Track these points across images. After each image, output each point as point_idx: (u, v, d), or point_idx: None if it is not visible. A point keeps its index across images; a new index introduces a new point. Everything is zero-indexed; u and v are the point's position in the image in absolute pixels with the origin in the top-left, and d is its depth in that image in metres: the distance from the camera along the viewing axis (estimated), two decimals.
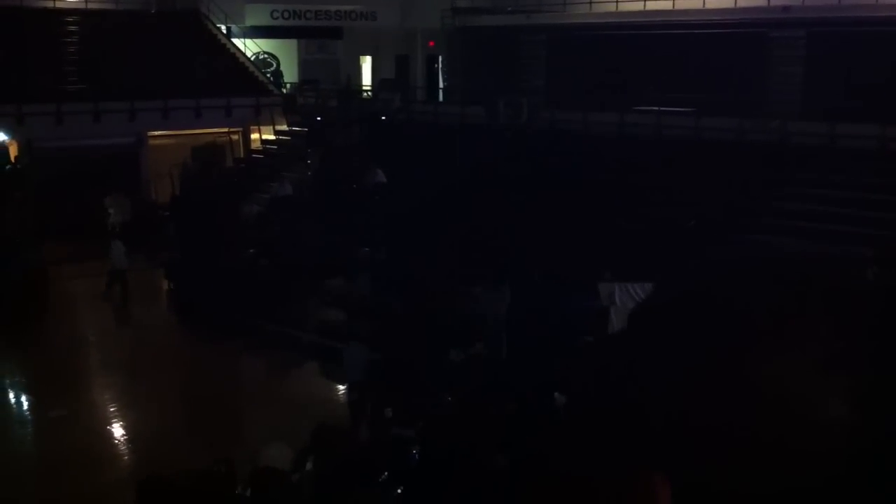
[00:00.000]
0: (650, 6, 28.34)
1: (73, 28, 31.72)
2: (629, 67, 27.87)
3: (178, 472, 8.73)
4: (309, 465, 10.23)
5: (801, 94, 24.94)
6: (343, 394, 14.95)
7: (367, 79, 37.87)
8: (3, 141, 26.50)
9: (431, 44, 35.96)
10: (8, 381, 16.44)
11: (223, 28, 34.32)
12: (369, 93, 34.41)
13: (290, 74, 36.98)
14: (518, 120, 25.79)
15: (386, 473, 10.47)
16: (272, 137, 31.63)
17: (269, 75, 34.84)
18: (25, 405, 15.40)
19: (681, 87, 25.85)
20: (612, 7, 29.43)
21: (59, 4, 31.77)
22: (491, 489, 9.51)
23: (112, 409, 14.87)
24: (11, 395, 15.90)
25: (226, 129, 30.68)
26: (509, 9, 32.42)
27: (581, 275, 15.18)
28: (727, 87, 24.80)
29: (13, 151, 26.42)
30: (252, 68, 33.80)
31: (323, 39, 37.56)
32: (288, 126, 31.80)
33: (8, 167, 25.33)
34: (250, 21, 34.83)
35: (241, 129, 31.46)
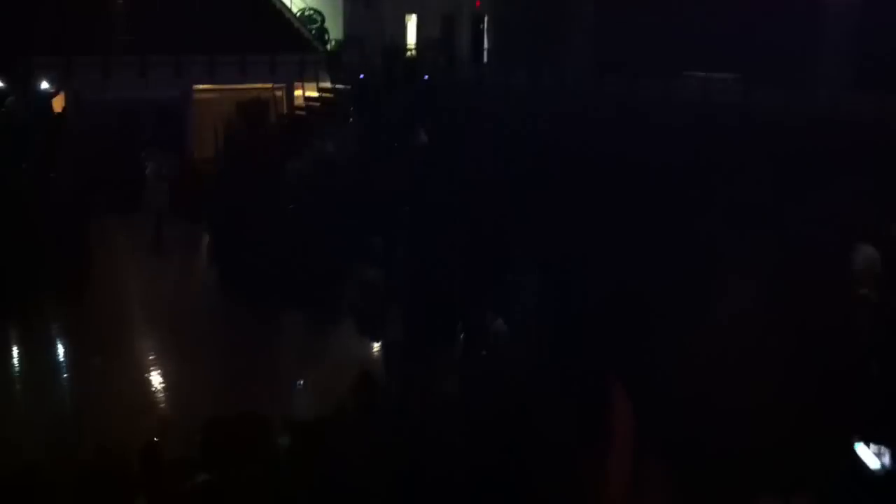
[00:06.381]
0: None
1: None
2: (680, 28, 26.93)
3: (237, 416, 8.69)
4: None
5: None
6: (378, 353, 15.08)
7: (412, 37, 37.60)
8: (49, 91, 26.70)
9: (478, 4, 35.56)
10: (50, 330, 16.73)
11: None
12: (413, 52, 34.19)
13: (335, 31, 36.88)
14: (563, 84, 25.51)
15: None
16: (316, 94, 31.65)
17: (313, 31, 34.76)
18: (67, 355, 15.69)
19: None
20: None
21: None
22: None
23: (151, 358, 15.15)
24: (54, 344, 16.20)
25: (270, 85, 30.74)
26: None
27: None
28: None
29: (59, 103, 26.67)
30: (297, 24, 33.75)
31: None
32: (332, 83, 31.79)
33: (53, 118, 25.60)
34: None
35: (285, 85, 31.52)
